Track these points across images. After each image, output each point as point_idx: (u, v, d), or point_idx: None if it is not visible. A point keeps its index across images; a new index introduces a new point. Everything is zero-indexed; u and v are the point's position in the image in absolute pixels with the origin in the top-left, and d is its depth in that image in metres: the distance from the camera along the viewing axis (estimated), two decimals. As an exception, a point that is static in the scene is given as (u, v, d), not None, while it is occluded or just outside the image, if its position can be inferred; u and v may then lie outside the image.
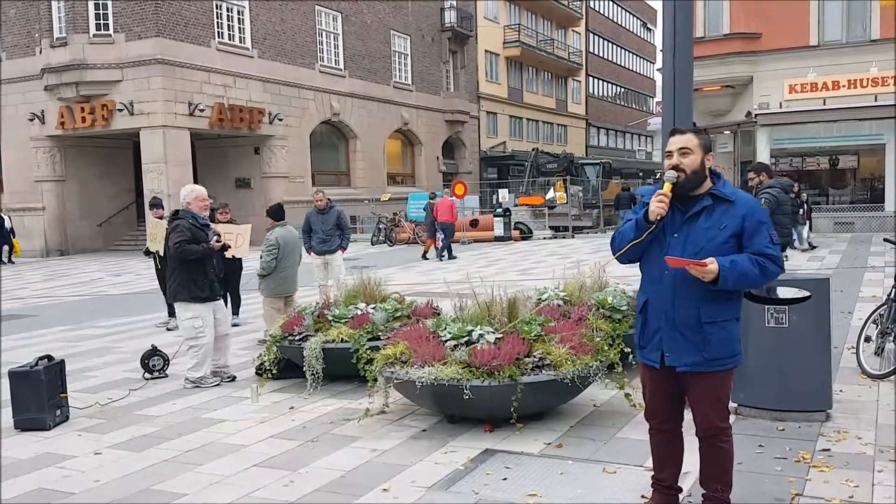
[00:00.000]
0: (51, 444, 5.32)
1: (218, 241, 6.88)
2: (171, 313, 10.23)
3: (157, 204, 10.36)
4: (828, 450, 4.52)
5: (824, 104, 21.86)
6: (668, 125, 5.33)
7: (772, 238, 3.29)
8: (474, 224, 25.78)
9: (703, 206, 3.35)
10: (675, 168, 3.34)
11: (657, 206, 3.32)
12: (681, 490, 3.69)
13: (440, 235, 19.59)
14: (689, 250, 3.31)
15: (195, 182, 24.30)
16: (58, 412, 5.77)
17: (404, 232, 25.16)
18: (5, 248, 23.24)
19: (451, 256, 19.50)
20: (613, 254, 3.54)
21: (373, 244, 25.24)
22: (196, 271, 6.79)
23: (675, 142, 3.38)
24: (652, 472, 3.74)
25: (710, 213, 3.34)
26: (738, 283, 3.25)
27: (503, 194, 30.24)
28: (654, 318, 3.44)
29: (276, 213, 8.92)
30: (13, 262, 22.90)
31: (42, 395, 5.63)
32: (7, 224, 23.43)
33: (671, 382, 3.47)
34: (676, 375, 3.43)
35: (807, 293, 4.99)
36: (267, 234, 8.62)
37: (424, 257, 19.92)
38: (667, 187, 3.33)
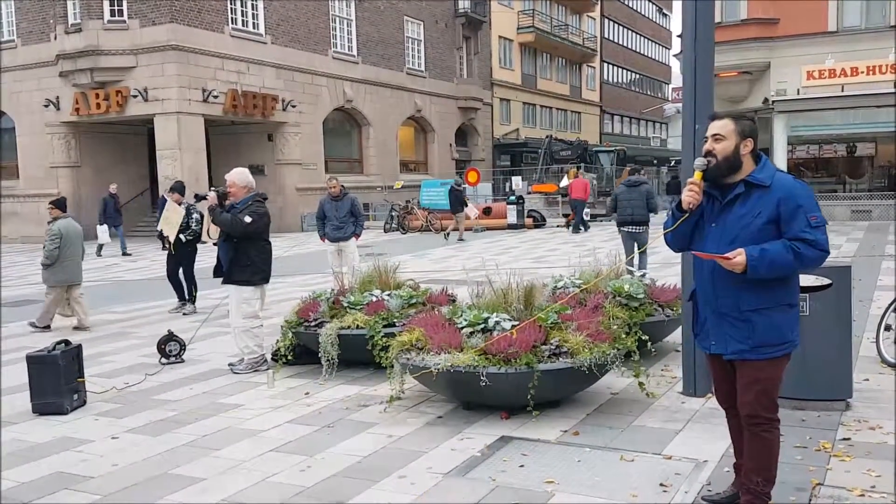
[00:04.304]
0: (69, 429, 5.35)
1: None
2: (181, 298, 10.30)
3: (177, 188, 10.32)
4: (848, 439, 4.49)
5: (842, 91, 21.62)
6: (688, 112, 5.27)
7: (810, 221, 3.16)
8: (487, 212, 25.70)
9: (737, 193, 3.29)
10: (708, 154, 3.30)
11: (687, 195, 3.33)
12: None
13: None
14: (724, 240, 3.27)
15: (209, 169, 24.41)
16: (75, 397, 5.80)
17: (417, 219, 25.12)
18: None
19: (584, 229, 22.17)
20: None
21: (385, 231, 25.25)
22: None
23: (711, 127, 3.35)
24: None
25: (745, 200, 3.27)
26: (772, 271, 3.16)
27: (516, 182, 30.16)
28: (702, 308, 3.47)
29: (61, 205, 9.40)
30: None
31: (59, 379, 5.66)
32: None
33: (727, 368, 3.46)
34: (729, 361, 3.41)
35: (828, 281, 4.93)
36: (49, 225, 9.12)
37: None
38: (696, 175, 3.32)
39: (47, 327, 9.22)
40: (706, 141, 3.36)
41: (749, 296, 3.25)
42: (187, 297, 10.28)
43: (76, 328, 9.22)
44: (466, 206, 22.24)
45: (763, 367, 3.31)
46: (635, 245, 10.97)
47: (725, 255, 3.18)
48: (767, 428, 3.37)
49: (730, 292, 3.29)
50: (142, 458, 4.70)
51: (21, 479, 4.40)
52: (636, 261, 10.23)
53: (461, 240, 20.90)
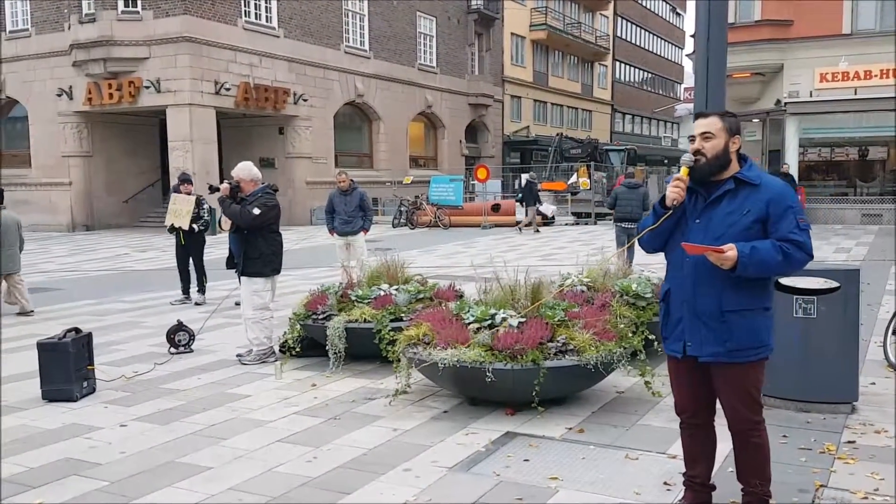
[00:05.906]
0: (77, 416, 5.40)
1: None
2: (185, 291, 10.36)
3: (187, 179, 10.42)
4: (853, 442, 4.49)
5: (855, 94, 21.48)
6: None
7: (798, 224, 3.14)
8: (496, 209, 25.69)
9: (726, 189, 3.23)
10: (696, 153, 3.23)
11: (672, 191, 3.24)
12: (714, 487, 3.54)
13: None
14: (709, 237, 3.19)
15: (220, 162, 24.49)
16: (84, 384, 5.86)
17: (426, 215, 25.13)
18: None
19: None
20: (638, 241, 3.49)
21: (394, 227, 25.27)
22: None
23: (699, 125, 3.28)
24: (683, 469, 3.60)
25: (733, 197, 3.22)
26: (760, 270, 3.12)
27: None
28: (677, 308, 3.34)
29: None
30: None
31: (69, 366, 5.72)
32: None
33: (697, 374, 3.35)
34: (702, 367, 3.31)
35: (836, 284, 4.93)
36: None
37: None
38: (683, 171, 3.24)
39: None
40: (693, 140, 3.28)
41: (731, 296, 3.19)
42: (197, 288, 10.34)
43: (20, 314, 9.51)
44: (540, 202, 23.15)
45: (745, 370, 3.25)
46: (627, 239, 12.12)
47: (719, 248, 3.11)
48: (757, 433, 3.32)
49: (712, 292, 3.21)
50: (149, 446, 4.75)
51: (30, 465, 4.45)
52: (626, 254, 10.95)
53: (537, 231, 22.01)
